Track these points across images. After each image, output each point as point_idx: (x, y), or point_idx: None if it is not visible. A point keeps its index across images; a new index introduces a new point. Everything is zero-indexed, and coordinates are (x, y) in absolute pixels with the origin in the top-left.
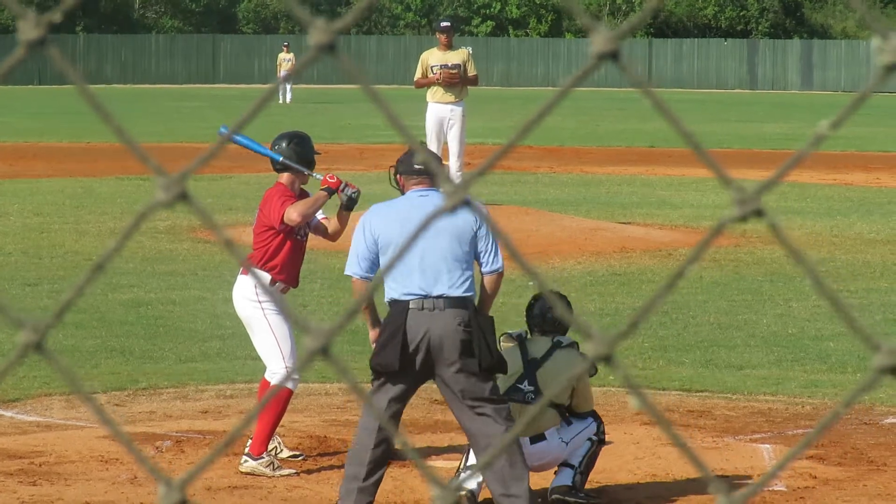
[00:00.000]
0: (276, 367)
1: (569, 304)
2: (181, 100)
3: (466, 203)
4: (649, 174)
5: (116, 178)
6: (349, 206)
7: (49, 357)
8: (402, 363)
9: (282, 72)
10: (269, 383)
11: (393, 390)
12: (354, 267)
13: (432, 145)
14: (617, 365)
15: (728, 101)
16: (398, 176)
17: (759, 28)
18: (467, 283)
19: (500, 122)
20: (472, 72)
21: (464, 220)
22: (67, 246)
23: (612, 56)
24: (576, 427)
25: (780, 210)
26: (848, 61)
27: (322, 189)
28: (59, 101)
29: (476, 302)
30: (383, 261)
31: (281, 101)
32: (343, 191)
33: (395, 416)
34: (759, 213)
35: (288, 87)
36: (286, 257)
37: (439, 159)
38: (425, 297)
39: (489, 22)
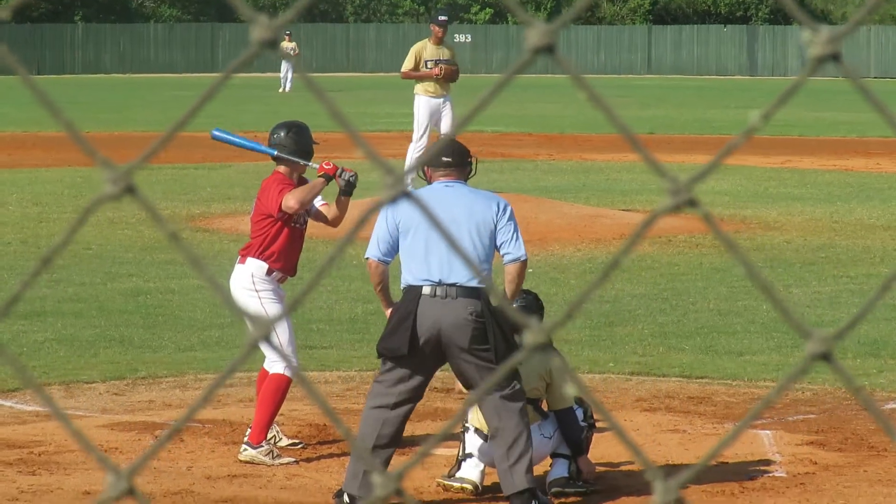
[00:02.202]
0: (274, 356)
1: (538, 300)
2: (180, 89)
3: (406, 195)
4: None
5: (108, 159)
6: (348, 190)
7: (2, 353)
8: (410, 348)
9: (284, 62)
10: (269, 372)
11: (402, 376)
12: (374, 250)
13: (423, 137)
14: (553, 353)
15: (728, 88)
16: (425, 168)
17: (759, 14)
18: (483, 273)
19: (495, 109)
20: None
21: (484, 211)
22: (62, 231)
23: (548, 50)
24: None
25: (780, 196)
26: (848, 47)
27: (319, 176)
28: (58, 91)
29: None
30: (402, 245)
31: (281, 90)
32: (340, 176)
33: (406, 409)
34: (691, 204)
35: (289, 76)
36: (284, 245)
37: (467, 152)
38: (438, 284)
39: (488, 9)
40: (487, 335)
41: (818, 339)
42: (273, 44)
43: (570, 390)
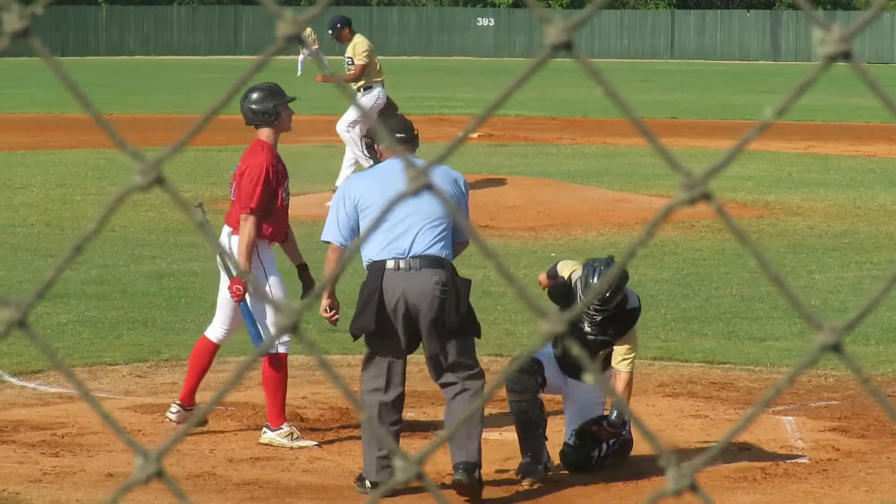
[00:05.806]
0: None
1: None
2: (203, 71)
3: (429, 187)
4: (672, 146)
5: (138, 149)
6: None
7: (31, 334)
8: (378, 324)
9: (302, 47)
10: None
11: (383, 359)
12: (334, 233)
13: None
14: (570, 343)
15: (751, 73)
16: (376, 146)
17: None
18: (444, 242)
19: (519, 92)
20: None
21: (446, 187)
22: (90, 217)
23: (566, 46)
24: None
25: (803, 182)
26: (872, 33)
27: (235, 277)
28: (81, 73)
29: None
30: (363, 224)
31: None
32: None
33: (398, 393)
34: (706, 197)
35: (301, 59)
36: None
37: (411, 126)
38: (402, 257)
39: None
40: (445, 303)
41: (828, 330)
42: (297, 39)
43: (587, 379)
